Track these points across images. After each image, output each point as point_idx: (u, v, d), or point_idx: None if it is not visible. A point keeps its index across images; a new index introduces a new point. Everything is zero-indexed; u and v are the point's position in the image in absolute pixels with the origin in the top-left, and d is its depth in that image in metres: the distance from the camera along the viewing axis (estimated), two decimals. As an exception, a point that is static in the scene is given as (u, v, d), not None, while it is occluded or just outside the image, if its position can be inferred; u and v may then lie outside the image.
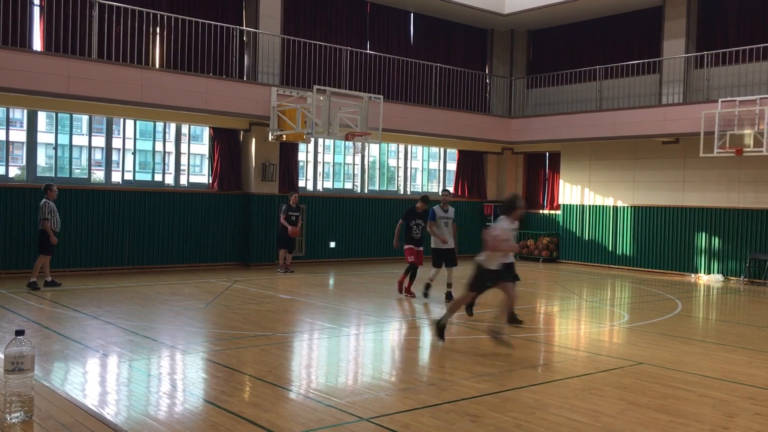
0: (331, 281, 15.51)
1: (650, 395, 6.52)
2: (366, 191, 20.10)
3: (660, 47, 18.95)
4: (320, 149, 19.33)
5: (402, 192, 21.06)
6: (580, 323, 10.96)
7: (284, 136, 16.21)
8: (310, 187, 18.96)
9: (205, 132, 18.31)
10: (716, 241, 17.63)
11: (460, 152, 21.75)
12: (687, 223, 18.19)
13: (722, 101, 16.03)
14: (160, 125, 17.02)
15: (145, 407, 5.98)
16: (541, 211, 21.89)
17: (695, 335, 10.19)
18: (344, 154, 19.95)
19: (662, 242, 18.63)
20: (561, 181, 21.12)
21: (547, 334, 9.88)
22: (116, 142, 16.38)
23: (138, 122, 16.86)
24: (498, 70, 22.38)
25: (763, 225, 16.76)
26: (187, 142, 17.45)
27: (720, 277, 17.27)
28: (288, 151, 17.94)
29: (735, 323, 11.46)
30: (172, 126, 17.01)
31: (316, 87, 15.12)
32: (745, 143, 15.55)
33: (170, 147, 17.39)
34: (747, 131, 15.50)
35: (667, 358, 8.13)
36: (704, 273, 17.73)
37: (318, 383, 6.92)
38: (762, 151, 15.27)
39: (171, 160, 17.33)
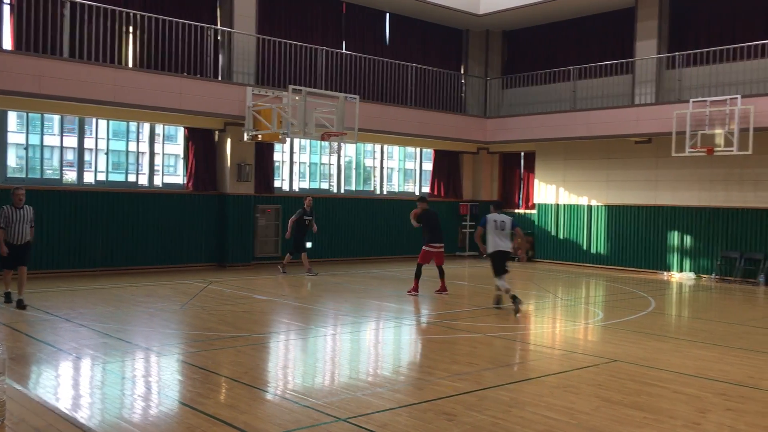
0: (308, 281, 15.46)
1: (624, 392, 6.60)
2: (342, 191, 20.08)
3: (633, 48, 19.16)
4: (296, 149, 19.26)
5: (378, 192, 21.06)
6: (556, 321, 11.05)
7: (260, 136, 16.12)
8: (285, 187, 18.88)
9: (180, 132, 18.17)
10: (688, 240, 17.87)
11: (436, 152, 21.81)
12: (660, 222, 18.41)
13: (693, 101, 16.26)
14: (133, 125, 16.84)
15: (120, 410, 5.92)
16: (516, 211, 22.00)
17: (668, 332, 10.33)
18: (320, 154, 19.91)
19: (635, 241, 18.84)
20: (536, 181, 21.26)
21: (522, 333, 9.94)
22: (89, 143, 16.17)
23: (111, 122, 16.68)
24: (473, 70, 22.48)
25: (733, 223, 17.03)
26: (161, 142, 17.29)
27: (692, 275, 17.50)
28: (264, 151, 17.86)
29: (707, 320, 11.63)
30: (146, 126, 16.83)
31: (291, 87, 15.05)
32: (716, 143, 15.80)
33: (144, 147, 17.22)
34: (718, 131, 15.74)
35: (641, 355, 8.23)
36: (676, 271, 17.96)
37: (295, 384, 6.90)
38: (732, 151, 15.52)
39: (145, 161, 17.15)
